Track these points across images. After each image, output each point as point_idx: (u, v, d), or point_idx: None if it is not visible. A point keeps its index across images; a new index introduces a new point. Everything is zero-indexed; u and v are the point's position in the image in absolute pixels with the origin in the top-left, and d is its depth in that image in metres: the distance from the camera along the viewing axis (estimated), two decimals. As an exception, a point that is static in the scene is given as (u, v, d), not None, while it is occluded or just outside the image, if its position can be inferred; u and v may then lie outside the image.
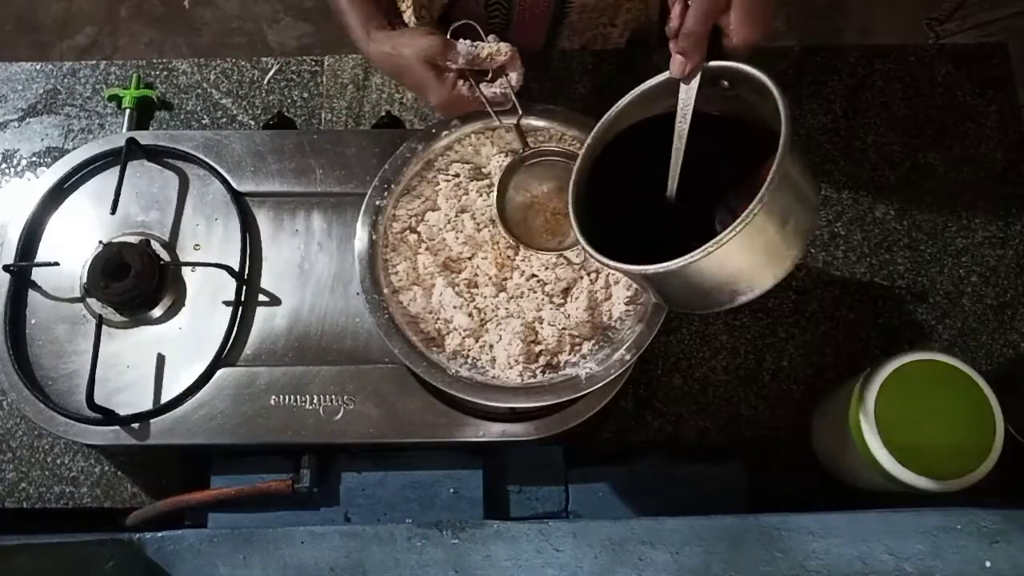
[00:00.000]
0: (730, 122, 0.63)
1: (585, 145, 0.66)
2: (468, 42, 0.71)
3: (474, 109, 0.73)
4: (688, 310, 0.76)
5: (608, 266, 0.60)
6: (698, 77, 0.60)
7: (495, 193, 0.72)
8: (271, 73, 0.99)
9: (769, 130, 0.57)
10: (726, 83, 0.61)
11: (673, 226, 0.64)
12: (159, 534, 0.62)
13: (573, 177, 0.65)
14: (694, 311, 0.78)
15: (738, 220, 0.53)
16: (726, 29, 0.60)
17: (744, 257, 0.57)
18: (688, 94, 0.61)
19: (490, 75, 0.74)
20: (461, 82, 0.72)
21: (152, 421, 0.75)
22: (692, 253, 0.53)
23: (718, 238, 0.53)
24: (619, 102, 0.65)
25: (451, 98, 0.72)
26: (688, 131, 0.61)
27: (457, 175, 0.77)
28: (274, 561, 0.61)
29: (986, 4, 1.29)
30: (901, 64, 0.99)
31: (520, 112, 0.75)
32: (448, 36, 0.71)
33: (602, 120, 0.66)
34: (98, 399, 0.74)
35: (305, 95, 0.98)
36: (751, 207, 0.52)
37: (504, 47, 0.72)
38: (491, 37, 0.73)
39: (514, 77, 0.73)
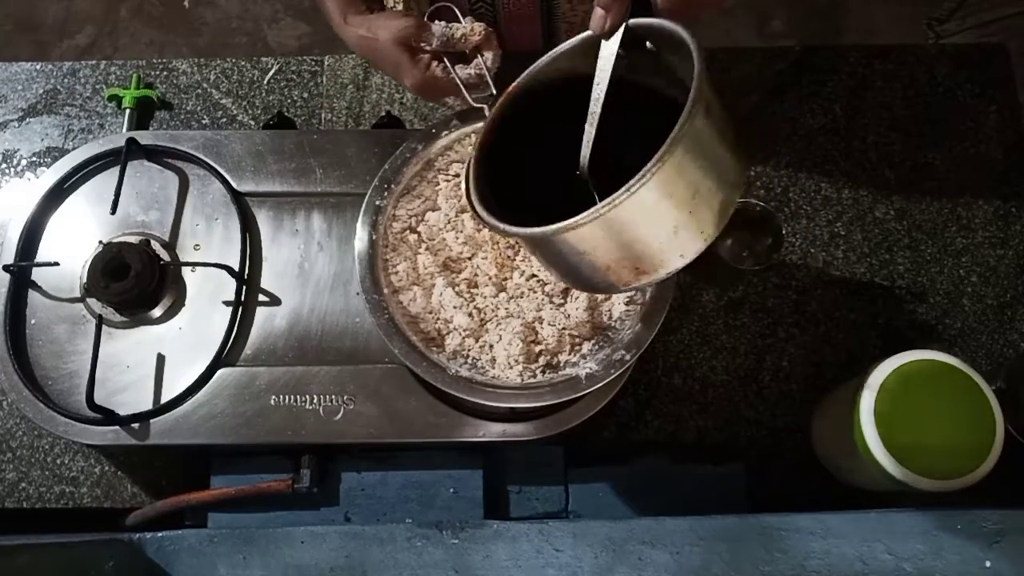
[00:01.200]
0: (655, 92, 0.58)
1: (497, 104, 0.62)
2: (442, 23, 0.70)
3: (450, 93, 0.72)
4: (589, 288, 0.68)
5: (493, 227, 0.54)
6: (619, 35, 0.56)
7: (465, 178, 0.64)
8: (271, 73, 0.99)
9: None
10: (650, 45, 0.56)
11: (583, 197, 0.56)
12: (159, 534, 0.62)
13: (479, 137, 0.61)
14: (597, 290, 0.69)
15: (633, 180, 0.47)
16: None
17: (643, 226, 0.50)
18: (608, 51, 0.56)
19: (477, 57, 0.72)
20: (435, 64, 0.70)
21: (152, 421, 0.75)
22: (581, 215, 0.48)
23: (609, 199, 0.47)
24: (537, 62, 0.62)
25: (425, 80, 0.70)
26: (608, 98, 0.55)
27: (457, 175, 0.77)
28: (274, 561, 0.61)
29: (986, 4, 1.29)
30: (901, 64, 0.99)
31: (495, 94, 0.71)
32: (425, 18, 0.70)
33: (517, 80, 0.62)
34: (98, 399, 0.74)
35: (305, 95, 0.98)
36: (649, 165, 0.46)
37: (479, 27, 0.70)
38: (467, 18, 0.71)
39: (489, 58, 0.72)
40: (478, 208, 0.57)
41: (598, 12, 0.57)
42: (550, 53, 0.62)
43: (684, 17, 0.55)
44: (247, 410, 0.76)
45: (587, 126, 0.56)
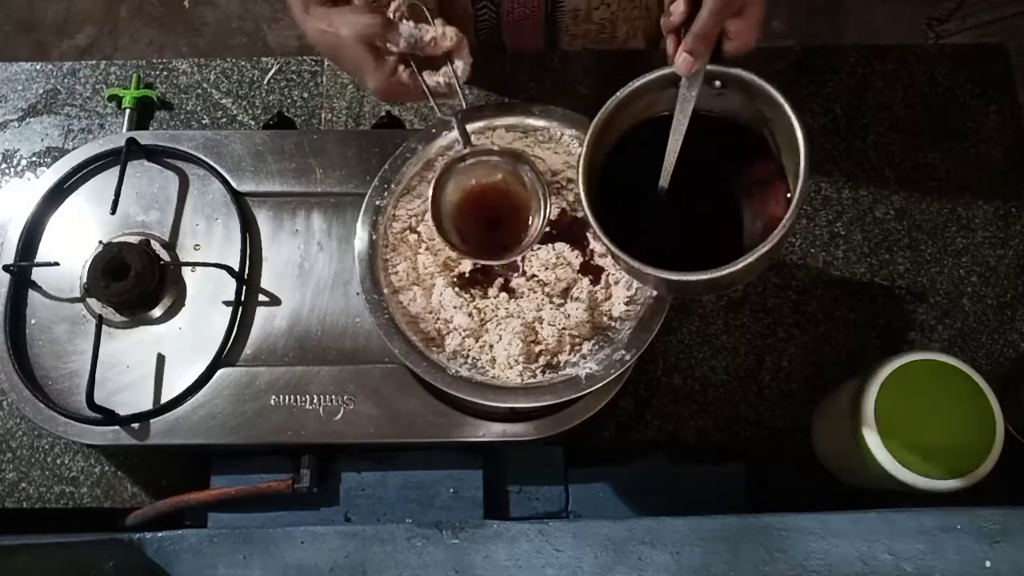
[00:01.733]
0: (714, 119, 0.65)
1: (585, 142, 0.65)
2: (411, 23, 0.65)
3: (415, 99, 0.68)
4: (681, 298, 0.77)
5: (631, 266, 0.60)
6: (702, 76, 0.60)
7: (430, 198, 0.66)
8: (271, 73, 0.99)
9: (751, 127, 0.61)
10: (719, 83, 0.62)
11: (667, 223, 0.66)
12: (159, 534, 0.62)
13: (581, 172, 0.64)
14: (686, 299, 0.79)
15: (764, 242, 0.57)
16: (728, 32, 0.60)
17: (753, 269, 0.60)
18: (690, 92, 0.61)
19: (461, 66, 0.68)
20: (402, 67, 0.65)
21: (152, 421, 0.75)
22: (723, 267, 0.57)
23: (747, 257, 0.57)
24: (615, 96, 0.64)
25: (389, 84, 0.66)
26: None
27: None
28: (274, 561, 0.61)
29: (986, 4, 1.29)
30: (901, 64, 0.99)
31: (464, 105, 0.68)
32: (392, 16, 0.65)
33: (598, 116, 0.65)
34: (98, 399, 0.74)
35: (305, 95, 0.98)
36: (777, 231, 0.57)
37: (450, 31, 0.65)
38: (438, 20, 0.66)
39: (460, 66, 0.66)
40: (605, 241, 0.61)
41: (686, 57, 0.60)
42: (632, 87, 0.64)
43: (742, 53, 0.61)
44: (247, 410, 0.76)
45: (668, 155, 0.63)
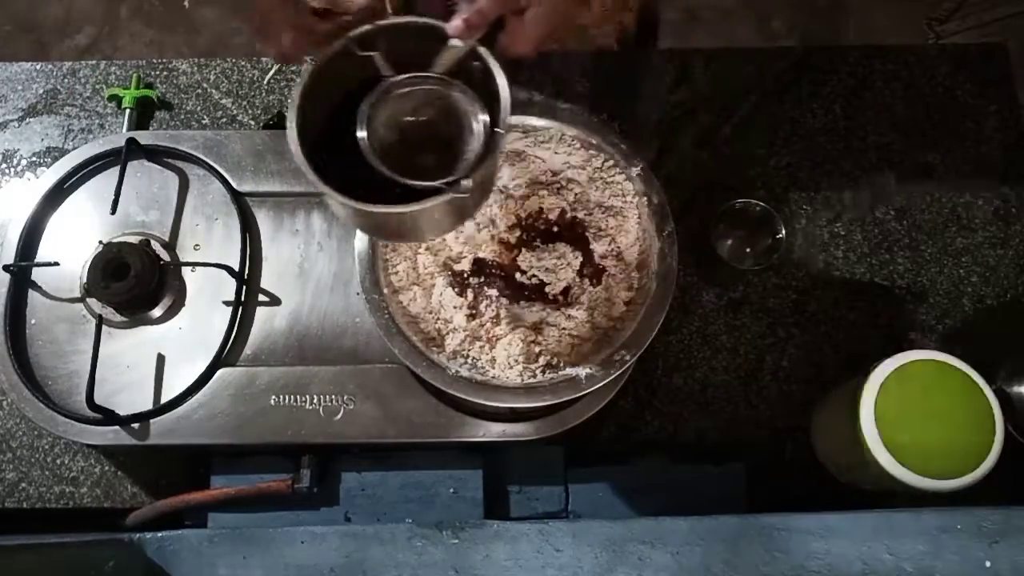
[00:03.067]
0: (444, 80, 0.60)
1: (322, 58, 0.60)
2: None
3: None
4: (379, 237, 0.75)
5: (322, 190, 0.56)
6: (459, 49, 0.58)
7: (363, 127, 0.58)
8: (271, 73, 0.99)
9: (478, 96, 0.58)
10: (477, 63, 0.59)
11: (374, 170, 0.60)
12: (159, 534, 0.62)
13: (302, 88, 0.59)
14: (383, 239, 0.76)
15: (435, 197, 0.55)
16: (510, 30, 0.59)
17: (428, 221, 0.60)
18: (446, 57, 0.58)
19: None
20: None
21: (152, 421, 0.75)
22: (397, 207, 0.55)
23: (416, 206, 0.55)
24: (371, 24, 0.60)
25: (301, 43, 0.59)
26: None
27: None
28: (274, 561, 0.61)
29: (986, 4, 1.29)
30: (901, 64, 0.99)
31: (391, 12, 0.61)
32: None
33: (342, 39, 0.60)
34: (98, 399, 0.74)
35: (305, 95, 0.98)
36: (448, 193, 0.55)
37: None
38: None
39: None
40: (306, 170, 0.57)
41: (460, 25, 0.57)
42: (391, 21, 0.59)
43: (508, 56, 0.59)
44: (247, 410, 0.76)
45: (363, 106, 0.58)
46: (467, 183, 0.55)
